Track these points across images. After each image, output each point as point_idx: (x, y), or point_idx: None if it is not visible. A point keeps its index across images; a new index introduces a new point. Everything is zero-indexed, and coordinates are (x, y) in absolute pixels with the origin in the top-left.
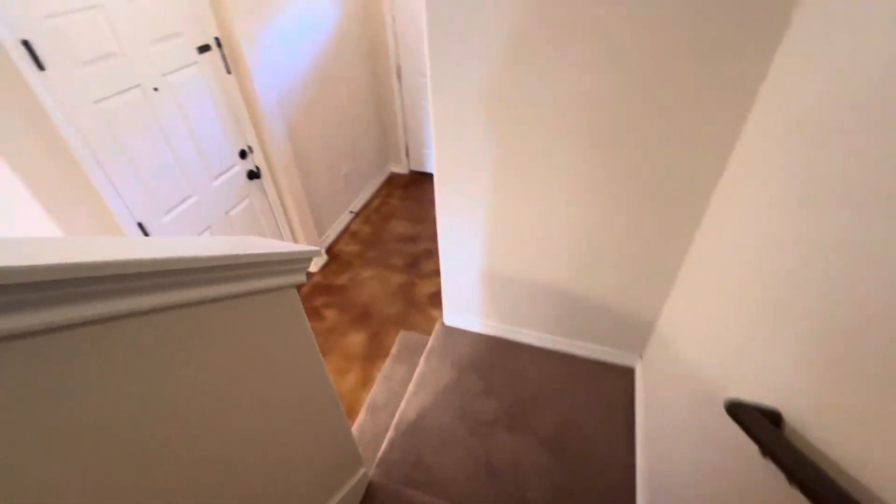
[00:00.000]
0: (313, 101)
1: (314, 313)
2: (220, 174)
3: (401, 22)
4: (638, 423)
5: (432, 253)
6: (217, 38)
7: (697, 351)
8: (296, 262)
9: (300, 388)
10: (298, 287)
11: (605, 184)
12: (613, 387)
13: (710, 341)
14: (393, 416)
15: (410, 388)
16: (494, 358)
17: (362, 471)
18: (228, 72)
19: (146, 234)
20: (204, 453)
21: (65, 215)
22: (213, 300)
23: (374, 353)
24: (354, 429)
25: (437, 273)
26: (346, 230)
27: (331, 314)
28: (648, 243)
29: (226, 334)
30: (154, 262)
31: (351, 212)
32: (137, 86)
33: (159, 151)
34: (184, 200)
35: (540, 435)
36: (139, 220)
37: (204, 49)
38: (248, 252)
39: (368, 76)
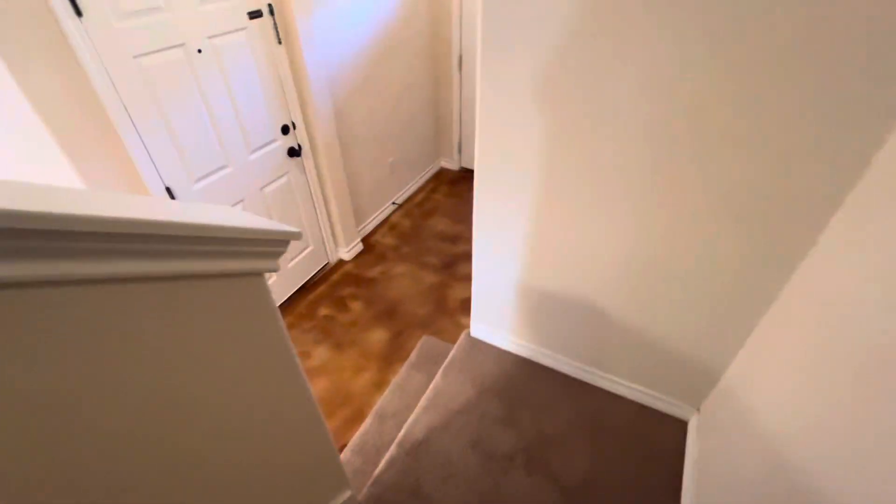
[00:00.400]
0: (365, 83)
1: (339, 303)
2: (259, 147)
3: (469, 10)
4: (685, 487)
5: (471, 256)
6: (270, 5)
7: (779, 416)
8: (266, 243)
9: (268, 398)
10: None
11: (682, 198)
12: (660, 438)
13: (800, 407)
14: (400, 428)
15: (422, 402)
16: (521, 382)
17: (348, 493)
18: (279, 42)
19: (174, 199)
20: (131, 455)
21: (90, 170)
22: (150, 278)
23: (393, 355)
24: (357, 435)
25: (472, 278)
26: (385, 221)
27: (356, 306)
28: (731, 275)
29: (167, 321)
30: (59, 217)
31: (393, 203)
32: (181, 45)
33: (197, 116)
34: (218, 170)
35: (563, 481)
36: (168, 185)
37: (255, 15)
38: (195, 221)
39: (428, 63)
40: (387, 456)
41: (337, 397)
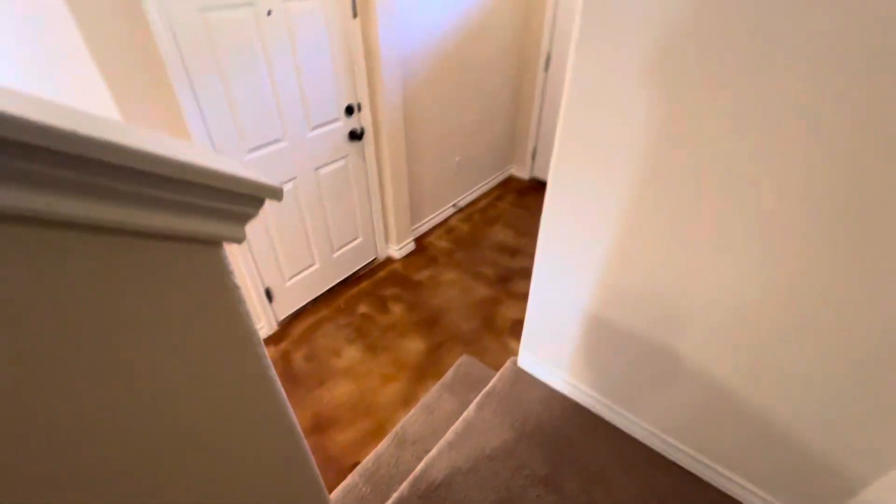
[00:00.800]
0: (440, 72)
1: (380, 302)
2: (319, 126)
3: (564, 5)
4: None
5: (531, 273)
6: None
7: None
8: (234, 198)
9: (224, 414)
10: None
11: (854, 237)
12: None
13: None
14: (419, 460)
15: (450, 434)
16: (573, 435)
17: None
18: (354, 15)
19: None
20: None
21: (138, 121)
22: (50, 222)
23: (428, 369)
24: (371, 456)
25: (528, 297)
26: (442, 224)
27: (397, 309)
28: None
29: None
30: None
31: (454, 205)
32: (251, 4)
33: (258, 82)
34: (272, 143)
35: None
36: (218, 149)
37: None
38: (136, 145)
39: (512, 60)
40: (396, 495)
41: (359, 406)
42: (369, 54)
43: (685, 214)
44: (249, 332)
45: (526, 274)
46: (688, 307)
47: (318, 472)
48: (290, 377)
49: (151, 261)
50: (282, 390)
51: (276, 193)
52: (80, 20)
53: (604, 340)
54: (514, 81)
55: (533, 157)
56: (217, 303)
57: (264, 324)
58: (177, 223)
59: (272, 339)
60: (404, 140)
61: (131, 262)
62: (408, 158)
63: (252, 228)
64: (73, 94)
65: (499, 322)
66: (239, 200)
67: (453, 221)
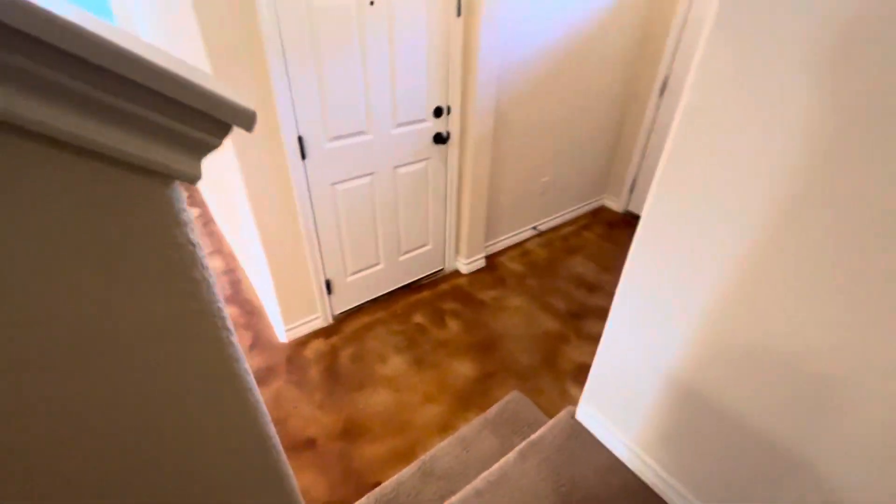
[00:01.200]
0: (539, 85)
1: (438, 315)
2: (405, 124)
3: (692, 25)
4: None
5: (606, 314)
6: None
7: None
8: (193, 116)
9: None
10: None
11: None
12: None
13: None
14: (440, 500)
15: (480, 481)
16: None
17: None
18: (458, 13)
19: (303, 151)
20: None
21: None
22: None
23: (473, 398)
24: (392, 481)
25: (600, 341)
26: (518, 245)
27: (454, 326)
28: None
29: None
30: None
31: (534, 227)
32: None
33: (351, 72)
34: (355, 134)
35: None
36: (301, 133)
37: None
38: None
39: (621, 82)
40: None
41: (393, 420)
42: (467, 56)
43: (857, 259)
44: (209, 307)
45: (602, 314)
46: (850, 384)
47: (298, 496)
48: (333, 373)
49: (60, 183)
50: (255, 391)
51: (247, 119)
52: None
53: (691, 413)
54: (620, 105)
55: (631, 190)
56: (162, 262)
57: (320, 315)
58: (126, 141)
59: (324, 332)
60: (490, 150)
61: (77, 187)
62: (491, 171)
63: (322, 216)
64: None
65: (561, 362)
66: (196, 119)
67: (531, 244)
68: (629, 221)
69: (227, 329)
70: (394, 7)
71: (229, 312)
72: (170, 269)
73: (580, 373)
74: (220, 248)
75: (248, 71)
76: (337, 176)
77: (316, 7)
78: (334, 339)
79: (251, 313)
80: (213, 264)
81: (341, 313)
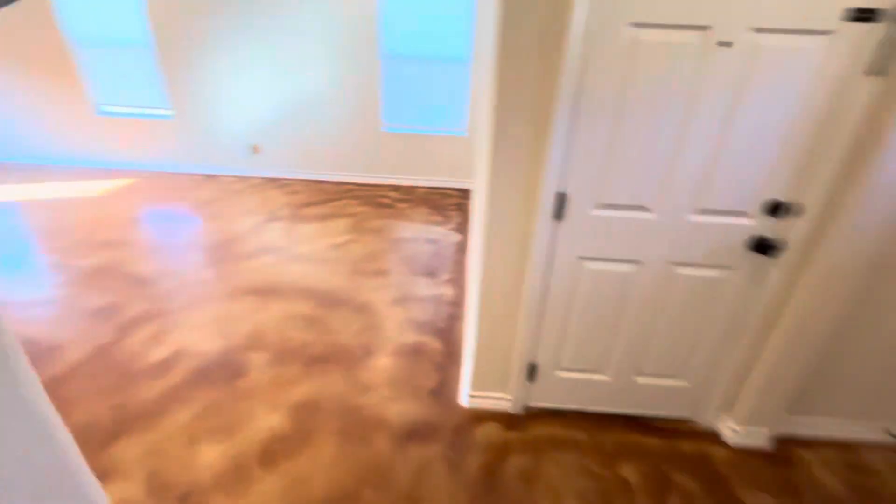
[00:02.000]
0: None
1: (657, 481)
2: (711, 212)
3: None
4: None
5: None
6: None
7: None
8: None
9: None
10: None
11: None
12: None
13: None
14: None
15: None
16: None
17: None
18: (871, 72)
19: (560, 210)
20: None
21: (504, 130)
22: None
23: None
24: None
25: None
26: (849, 447)
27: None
28: None
29: None
30: None
31: (892, 434)
32: (704, 27)
33: (658, 130)
34: (633, 208)
35: None
36: (563, 190)
37: (861, 16)
38: None
39: None
40: None
41: None
42: (867, 137)
43: None
44: None
45: None
46: None
47: None
48: (492, 479)
49: None
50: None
51: None
52: None
53: None
54: None
55: None
56: None
57: (510, 398)
58: None
59: (506, 420)
60: (853, 289)
61: None
62: (841, 320)
63: (555, 290)
64: None
65: None
66: None
67: (875, 457)
68: None
69: None
70: (762, 51)
71: (434, 346)
72: None
73: None
74: (459, 280)
75: (531, 130)
76: (590, 251)
77: (640, 44)
78: (512, 435)
79: (450, 356)
80: (442, 291)
81: (535, 408)
